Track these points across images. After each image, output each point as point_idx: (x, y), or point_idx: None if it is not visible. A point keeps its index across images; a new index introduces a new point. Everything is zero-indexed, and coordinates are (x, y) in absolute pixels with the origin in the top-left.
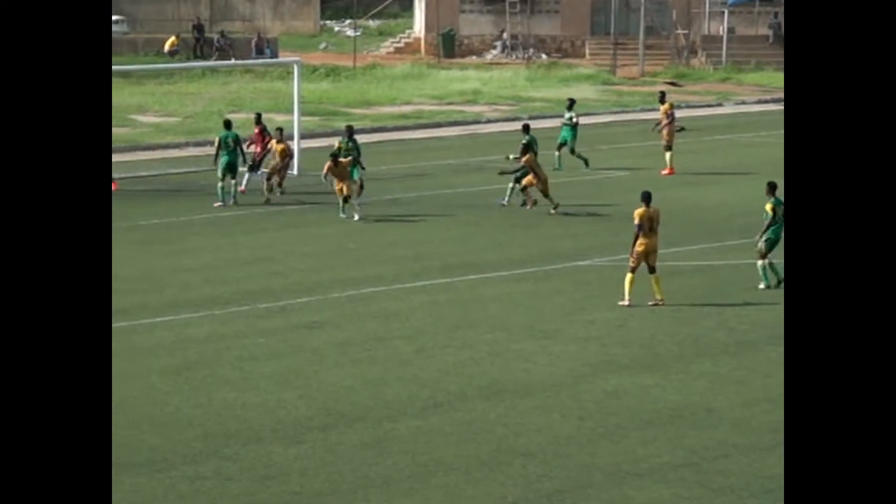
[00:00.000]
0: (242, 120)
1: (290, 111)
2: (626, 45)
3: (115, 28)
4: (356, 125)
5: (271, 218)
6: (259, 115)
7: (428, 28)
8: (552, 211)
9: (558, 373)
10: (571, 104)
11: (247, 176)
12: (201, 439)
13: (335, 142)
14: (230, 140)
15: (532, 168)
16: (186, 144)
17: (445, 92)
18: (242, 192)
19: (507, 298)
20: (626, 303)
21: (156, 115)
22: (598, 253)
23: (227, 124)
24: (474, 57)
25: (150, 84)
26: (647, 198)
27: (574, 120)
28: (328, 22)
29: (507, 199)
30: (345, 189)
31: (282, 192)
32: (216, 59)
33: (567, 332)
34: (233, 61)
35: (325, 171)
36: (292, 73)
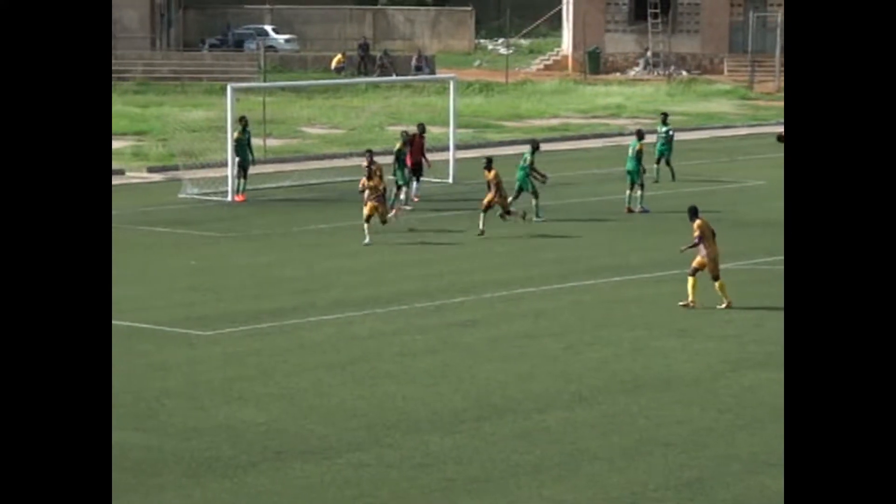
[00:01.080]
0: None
1: (446, 124)
2: (763, 63)
3: (287, 46)
4: (507, 137)
5: (428, 223)
6: (419, 131)
7: (575, 46)
8: (516, 219)
9: (697, 368)
10: (665, 118)
11: (415, 185)
12: (364, 429)
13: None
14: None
15: (494, 184)
16: (350, 155)
17: (591, 106)
18: (416, 199)
19: (649, 299)
20: (687, 303)
21: (323, 128)
22: (736, 258)
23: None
24: (618, 73)
25: (318, 98)
26: (694, 212)
27: (670, 133)
28: (482, 41)
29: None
30: (368, 210)
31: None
32: (378, 76)
33: (705, 331)
34: (394, 77)
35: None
36: (448, 88)
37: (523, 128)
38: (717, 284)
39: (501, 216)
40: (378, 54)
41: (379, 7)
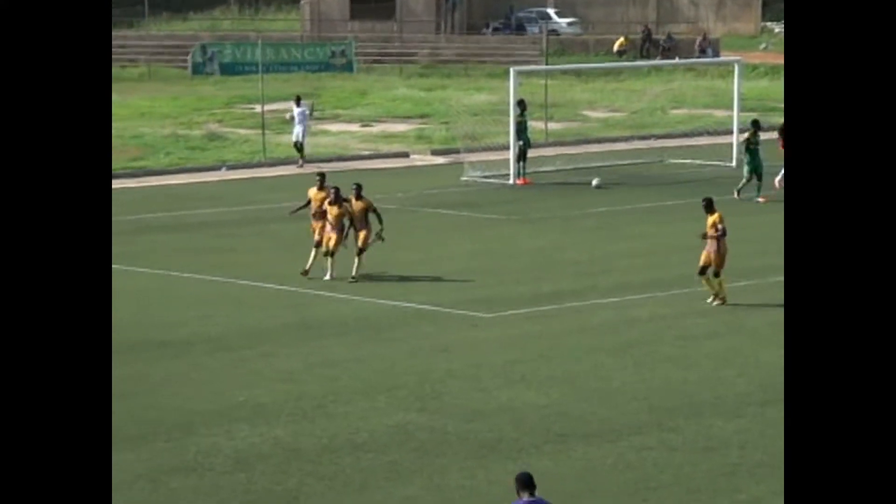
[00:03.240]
0: (683, 116)
1: (730, 108)
2: None
3: (569, 29)
4: None
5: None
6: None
7: None
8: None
9: None
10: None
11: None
12: (646, 412)
13: (774, 135)
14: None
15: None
16: (632, 138)
17: None
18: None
19: None
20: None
21: (604, 111)
22: None
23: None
24: None
25: (599, 81)
26: (710, 204)
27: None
28: (768, 23)
29: None
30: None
31: None
32: (661, 59)
33: None
34: (676, 60)
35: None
36: (733, 71)
37: None
38: (718, 280)
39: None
40: (661, 37)
41: None
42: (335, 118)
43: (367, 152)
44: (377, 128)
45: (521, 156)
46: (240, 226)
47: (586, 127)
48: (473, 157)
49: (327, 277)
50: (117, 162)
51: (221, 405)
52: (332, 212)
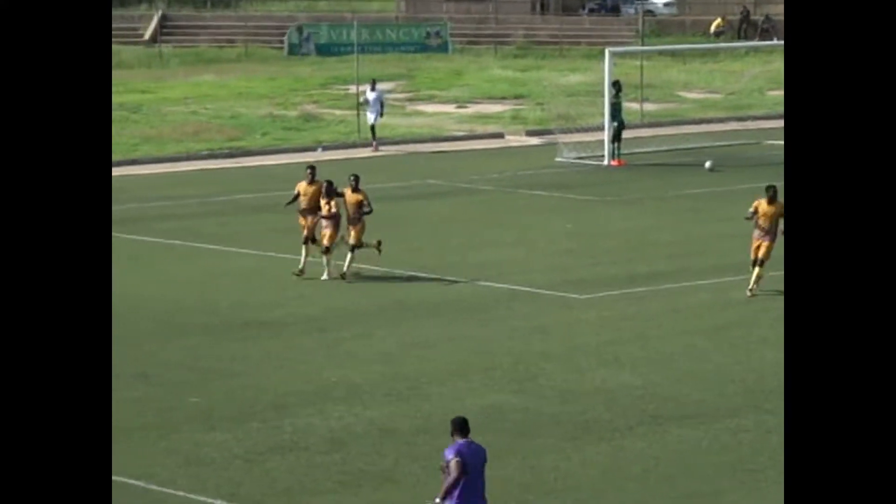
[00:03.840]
0: (781, 97)
1: None
2: None
3: (665, 10)
4: None
5: None
6: None
7: None
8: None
9: None
10: None
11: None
12: (742, 394)
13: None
14: None
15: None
16: (729, 119)
17: None
18: None
19: None
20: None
21: (700, 92)
22: None
23: None
24: None
25: (695, 62)
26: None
27: None
28: None
29: None
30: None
31: None
32: (759, 40)
33: None
34: (774, 41)
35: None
36: None
37: None
38: (758, 270)
39: None
40: (760, 18)
41: None
42: (430, 99)
43: (461, 133)
44: (472, 109)
45: (616, 137)
46: None
47: (682, 108)
48: (568, 139)
49: (325, 277)
50: (215, 142)
51: (317, 386)
52: (326, 205)
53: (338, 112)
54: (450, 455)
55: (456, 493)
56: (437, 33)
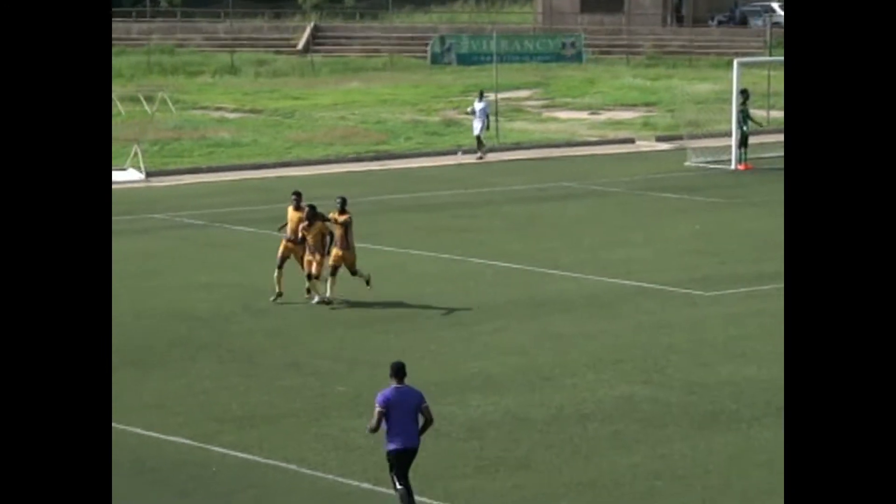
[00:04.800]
0: None
1: None
2: None
3: None
4: None
5: None
6: None
7: None
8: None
9: None
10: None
11: None
12: None
13: None
14: None
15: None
16: None
17: None
18: None
19: None
20: None
21: None
22: None
23: None
24: None
25: None
26: None
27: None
28: None
29: None
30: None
31: None
32: None
33: None
34: None
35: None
36: None
37: None
38: None
39: None
40: None
41: None
42: (565, 106)
43: (594, 138)
44: (604, 115)
45: (743, 142)
46: (473, 207)
47: None
48: (696, 144)
49: (315, 301)
50: (362, 146)
51: (456, 376)
52: (310, 233)
53: None
54: (377, 402)
55: (391, 430)
56: (572, 44)
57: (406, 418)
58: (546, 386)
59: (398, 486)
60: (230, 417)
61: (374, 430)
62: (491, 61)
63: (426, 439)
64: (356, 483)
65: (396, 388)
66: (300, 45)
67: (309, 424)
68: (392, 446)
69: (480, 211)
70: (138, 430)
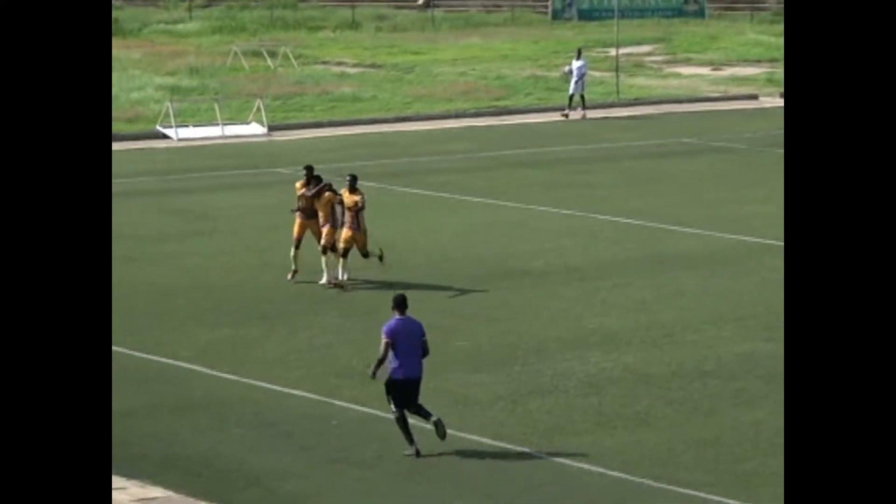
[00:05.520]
0: None
1: None
2: None
3: None
4: None
5: None
6: None
7: None
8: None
9: None
10: None
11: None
12: None
13: None
14: None
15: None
16: None
17: None
18: None
19: None
20: None
21: None
22: None
23: None
24: None
25: None
26: None
27: None
28: None
29: None
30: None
31: None
32: None
33: None
34: None
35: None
36: None
37: None
38: None
39: None
40: None
41: None
42: (687, 62)
43: (716, 94)
44: (727, 71)
45: None
46: (594, 162)
47: None
48: None
49: (323, 281)
50: (482, 101)
51: (576, 332)
52: (319, 203)
53: (597, 73)
54: (384, 333)
55: (395, 359)
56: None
57: (410, 349)
58: (666, 342)
59: (394, 410)
60: (351, 373)
61: (383, 360)
62: (612, 17)
63: (545, 395)
64: (476, 437)
65: (400, 318)
66: (421, 1)
67: (428, 379)
68: (396, 375)
69: (600, 167)
70: (262, 384)
